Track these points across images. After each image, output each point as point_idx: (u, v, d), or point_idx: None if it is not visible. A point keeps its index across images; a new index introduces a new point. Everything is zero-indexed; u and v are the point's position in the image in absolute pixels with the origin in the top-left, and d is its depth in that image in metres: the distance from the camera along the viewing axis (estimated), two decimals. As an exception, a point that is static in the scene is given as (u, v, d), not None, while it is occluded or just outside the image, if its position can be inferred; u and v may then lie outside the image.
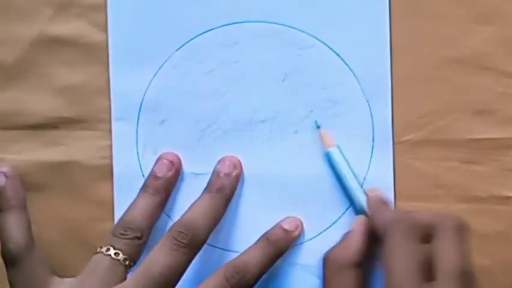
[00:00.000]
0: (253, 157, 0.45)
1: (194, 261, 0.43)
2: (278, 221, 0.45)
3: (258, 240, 0.44)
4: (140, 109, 0.46)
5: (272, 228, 0.44)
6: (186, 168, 0.46)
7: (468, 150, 0.44)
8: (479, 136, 0.44)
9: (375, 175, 0.44)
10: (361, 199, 0.44)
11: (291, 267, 0.45)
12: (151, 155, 0.46)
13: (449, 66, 0.44)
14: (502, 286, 0.44)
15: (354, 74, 0.45)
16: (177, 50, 0.46)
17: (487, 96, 0.44)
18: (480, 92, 0.44)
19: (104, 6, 0.46)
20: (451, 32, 0.44)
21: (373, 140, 0.45)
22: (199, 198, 0.44)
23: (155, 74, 0.46)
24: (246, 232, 0.45)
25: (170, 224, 0.46)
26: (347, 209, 0.45)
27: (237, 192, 0.45)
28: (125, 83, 0.46)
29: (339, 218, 0.45)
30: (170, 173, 0.45)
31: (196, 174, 0.46)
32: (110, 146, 0.46)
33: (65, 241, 0.47)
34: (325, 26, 0.45)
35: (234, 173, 0.45)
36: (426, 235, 0.38)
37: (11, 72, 0.47)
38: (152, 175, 0.45)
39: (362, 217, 0.43)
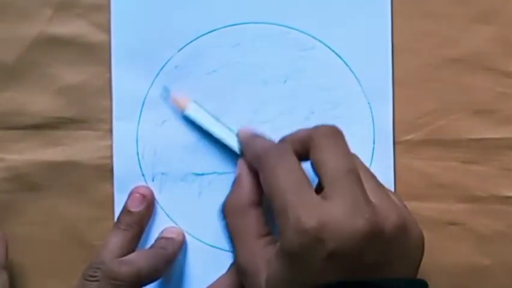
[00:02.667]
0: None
1: (194, 261, 0.43)
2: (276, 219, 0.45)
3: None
4: (141, 109, 0.46)
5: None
6: (186, 168, 0.46)
7: (468, 150, 0.44)
8: (479, 136, 0.44)
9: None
10: (235, 142, 0.44)
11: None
12: (152, 155, 0.46)
13: (449, 66, 0.44)
14: (502, 286, 0.44)
15: (355, 76, 0.45)
16: (179, 50, 0.46)
17: (487, 96, 0.44)
18: (480, 92, 0.44)
19: (105, 7, 0.46)
20: (451, 32, 0.44)
21: (374, 142, 0.45)
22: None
23: (157, 74, 0.46)
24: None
25: (170, 224, 0.46)
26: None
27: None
28: (127, 82, 0.46)
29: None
30: (142, 207, 0.45)
31: (196, 175, 0.46)
32: (110, 146, 0.46)
33: (65, 241, 0.47)
34: (326, 28, 0.45)
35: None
36: (304, 151, 0.38)
37: (12, 72, 0.47)
38: (125, 210, 0.45)
39: (242, 160, 0.42)
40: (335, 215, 0.34)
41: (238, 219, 0.40)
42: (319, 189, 0.36)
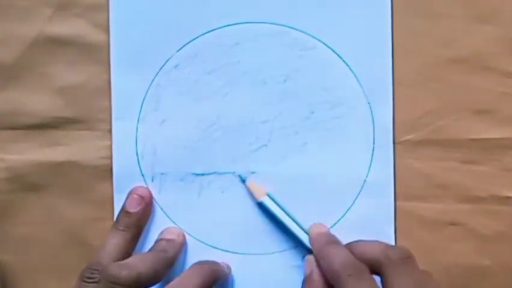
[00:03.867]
0: (253, 157, 0.45)
1: (193, 261, 0.43)
2: (308, 230, 0.45)
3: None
4: (141, 109, 0.46)
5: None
6: (186, 168, 0.46)
7: (468, 150, 0.44)
8: (479, 136, 0.44)
9: (375, 176, 0.44)
10: (304, 239, 0.44)
11: (291, 269, 0.45)
12: (151, 155, 0.46)
13: (449, 66, 0.44)
14: (502, 286, 0.44)
15: (355, 76, 0.45)
16: (179, 50, 0.46)
17: (487, 96, 0.44)
18: (480, 92, 0.44)
19: (104, 6, 0.46)
20: (451, 32, 0.44)
21: (374, 142, 0.45)
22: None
23: (156, 74, 0.46)
24: (244, 232, 0.45)
25: (170, 224, 0.46)
26: (345, 213, 0.45)
27: (236, 192, 0.45)
28: (126, 82, 0.46)
29: (338, 220, 0.45)
30: (140, 208, 0.45)
31: (196, 175, 0.46)
32: (110, 146, 0.46)
33: (65, 241, 0.47)
34: (326, 28, 0.45)
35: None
36: (375, 268, 0.39)
37: (11, 72, 0.47)
38: (123, 211, 0.45)
39: (312, 258, 0.43)
40: None
41: None
42: None
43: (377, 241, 0.41)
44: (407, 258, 0.38)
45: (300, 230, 0.44)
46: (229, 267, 0.45)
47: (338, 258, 0.40)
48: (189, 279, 0.41)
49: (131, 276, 0.40)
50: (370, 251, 0.40)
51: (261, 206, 0.45)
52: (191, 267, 0.43)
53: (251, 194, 0.45)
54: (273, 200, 0.45)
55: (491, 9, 0.44)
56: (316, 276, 0.41)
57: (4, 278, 0.46)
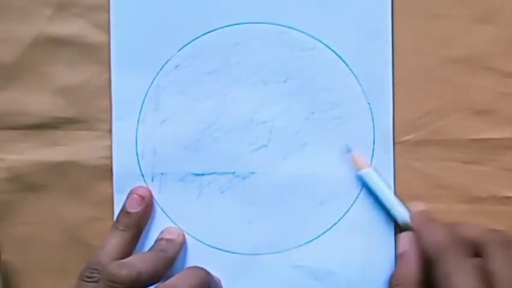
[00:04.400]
0: (253, 157, 0.45)
1: (193, 261, 0.43)
2: (276, 219, 0.45)
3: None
4: (141, 109, 0.46)
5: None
6: (186, 168, 0.46)
7: (468, 150, 0.44)
8: (479, 136, 0.44)
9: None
10: (404, 215, 0.43)
11: (291, 269, 0.45)
12: (151, 155, 0.46)
13: (449, 66, 0.44)
14: (502, 286, 0.44)
15: (355, 76, 0.45)
16: (179, 50, 0.46)
17: (487, 96, 0.44)
18: (480, 92, 0.44)
19: (104, 6, 0.46)
20: (451, 32, 0.44)
21: (374, 142, 0.45)
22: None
23: (157, 74, 0.46)
24: (245, 232, 0.45)
25: (170, 224, 0.46)
26: (345, 213, 0.45)
27: (236, 192, 0.45)
28: (127, 82, 0.46)
29: (338, 220, 0.45)
30: (140, 208, 0.45)
31: (196, 175, 0.46)
32: (110, 146, 0.46)
33: (64, 241, 0.47)
34: (327, 28, 0.45)
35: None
36: (477, 249, 0.39)
37: (11, 72, 0.47)
38: (123, 211, 0.45)
39: (410, 235, 0.43)
40: None
41: None
42: None
43: (478, 224, 0.41)
44: (509, 242, 0.39)
45: (400, 205, 0.44)
46: (219, 280, 0.45)
47: (442, 234, 0.40)
48: (186, 279, 0.41)
49: (131, 275, 0.40)
50: (472, 232, 0.40)
51: (364, 177, 0.44)
52: (187, 268, 0.43)
53: (354, 165, 0.45)
54: (376, 172, 0.44)
55: (491, 9, 0.44)
56: (412, 253, 0.41)
57: (7, 278, 0.46)
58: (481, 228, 0.40)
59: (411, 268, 0.41)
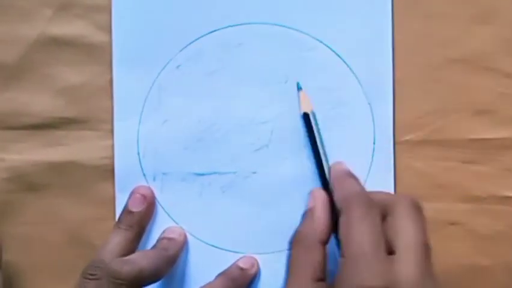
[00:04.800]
0: (254, 158, 0.45)
1: (194, 260, 0.44)
2: (277, 219, 0.45)
3: (216, 278, 0.44)
4: (142, 109, 0.46)
5: (229, 267, 0.45)
6: (187, 168, 0.46)
7: (468, 150, 0.44)
8: (479, 136, 0.44)
9: (376, 176, 0.44)
10: (326, 168, 0.43)
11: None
12: (153, 154, 0.46)
13: (449, 66, 0.44)
14: (502, 286, 0.44)
15: (356, 76, 0.45)
16: (181, 50, 0.46)
17: (487, 96, 0.44)
18: (480, 92, 0.44)
19: (105, 7, 0.46)
20: (451, 32, 0.44)
21: (374, 142, 0.45)
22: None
23: (158, 74, 0.46)
24: (246, 232, 0.45)
25: (171, 223, 0.46)
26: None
27: (237, 192, 0.45)
28: (128, 83, 0.46)
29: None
30: (142, 207, 0.45)
31: (197, 175, 0.46)
32: (111, 146, 0.46)
33: (66, 241, 0.47)
34: (327, 28, 0.45)
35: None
36: (383, 214, 0.38)
37: (12, 73, 0.47)
38: (126, 210, 0.45)
39: (320, 191, 0.42)
40: (404, 280, 0.34)
41: (301, 252, 0.39)
42: None
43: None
44: (417, 205, 0.38)
45: (325, 158, 0.44)
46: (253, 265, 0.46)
47: (354, 189, 0.40)
48: None
49: (133, 271, 0.40)
50: (382, 195, 0.40)
51: (305, 119, 0.44)
52: (216, 278, 0.44)
53: (299, 104, 0.45)
54: (315, 120, 0.44)
55: (491, 9, 0.44)
56: (319, 210, 0.41)
57: (9, 278, 0.47)
58: (391, 194, 0.40)
59: (320, 225, 0.40)
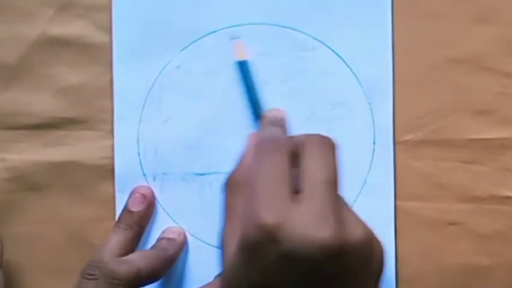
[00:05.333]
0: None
1: (194, 260, 0.44)
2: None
3: (216, 278, 0.44)
4: (142, 109, 0.46)
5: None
6: (187, 168, 0.46)
7: (468, 150, 0.44)
8: (479, 136, 0.44)
9: (376, 176, 0.44)
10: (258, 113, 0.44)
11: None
12: (153, 154, 0.46)
13: (449, 66, 0.44)
14: (502, 286, 0.44)
15: (356, 77, 0.45)
16: (181, 50, 0.46)
17: (487, 96, 0.44)
18: (480, 92, 0.44)
19: (106, 7, 0.46)
20: (451, 32, 0.44)
21: (374, 142, 0.45)
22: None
23: (158, 74, 0.46)
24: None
25: (171, 223, 0.46)
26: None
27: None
28: (128, 83, 0.46)
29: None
30: (142, 207, 0.45)
31: (197, 175, 0.46)
32: (111, 146, 0.46)
33: (66, 241, 0.47)
34: (327, 28, 0.45)
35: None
36: (295, 155, 0.37)
37: (13, 73, 0.47)
38: (125, 210, 0.45)
39: (253, 134, 0.43)
40: (297, 219, 0.33)
41: (231, 194, 0.39)
42: None
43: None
44: (325, 145, 0.37)
45: (259, 107, 0.44)
46: None
47: (265, 134, 0.40)
48: None
49: (131, 271, 0.40)
50: (299, 137, 0.38)
51: (239, 67, 0.45)
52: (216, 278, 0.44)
53: (233, 52, 0.45)
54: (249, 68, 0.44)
55: (491, 9, 0.44)
56: (247, 153, 0.40)
57: (9, 277, 0.47)
58: (304, 135, 0.38)
59: (244, 168, 0.39)
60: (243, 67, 0.45)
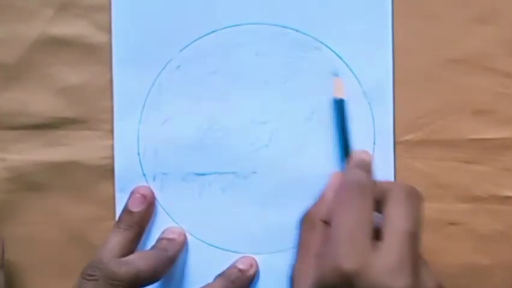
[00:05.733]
0: (254, 158, 0.45)
1: (194, 260, 0.44)
2: (277, 219, 0.45)
3: (215, 280, 0.44)
4: (143, 109, 0.46)
5: (228, 268, 0.45)
6: (187, 168, 0.46)
7: (468, 150, 0.44)
8: (479, 136, 0.44)
9: (376, 176, 0.44)
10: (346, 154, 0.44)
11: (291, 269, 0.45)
12: (153, 154, 0.46)
13: (449, 66, 0.44)
14: (502, 286, 0.44)
15: (355, 77, 0.45)
16: (181, 50, 0.46)
17: (487, 96, 0.44)
18: (480, 92, 0.44)
19: (106, 7, 0.46)
20: (451, 32, 0.44)
21: (374, 142, 0.45)
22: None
23: (158, 74, 0.46)
24: (246, 232, 0.45)
25: (171, 223, 0.46)
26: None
27: (237, 192, 0.45)
28: (128, 83, 0.46)
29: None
30: (142, 207, 0.45)
31: (197, 175, 0.46)
32: (111, 146, 0.46)
33: (66, 241, 0.47)
34: (327, 28, 0.45)
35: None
36: (379, 202, 0.38)
37: (13, 73, 0.47)
38: (126, 210, 0.45)
39: (338, 174, 0.43)
40: (376, 268, 0.34)
41: (308, 230, 0.40)
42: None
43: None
44: (411, 195, 0.38)
45: (347, 147, 0.44)
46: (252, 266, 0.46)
47: (353, 176, 0.40)
48: None
49: (131, 272, 0.40)
50: (384, 183, 0.39)
51: (336, 105, 0.44)
52: (216, 279, 0.44)
53: (333, 89, 0.45)
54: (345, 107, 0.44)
55: (491, 9, 0.44)
56: (328, 193, 0.41)
57: (10, 277, 0.47)
58: (389, 182, 0.40)
59: (323, 205, 0.40)
60: (339, 105, 0.44)
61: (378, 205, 0.38)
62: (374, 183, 0.39)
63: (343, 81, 0.45)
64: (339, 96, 0.44)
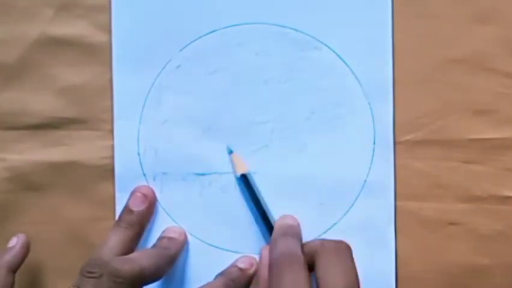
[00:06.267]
0: (254, 158, 0.45)
1: (194, 260, 0.44)
2: (276, 219, 0.45)
3: (215, 278, 0.44)
4: (143, 109, 0.46)
5: (228, 267, 0.45)
6: (187, 168, 0.46)
7: (468, 150, 0.44)
8: (479, 136, 0.44)
9: (376, 176, 0.44)
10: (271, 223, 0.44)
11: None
12: (153, 154, 0.46)
13: (449, 66, 0.44)
14: (502, 286, 0.44)
15: (355, 77, 0.45)
16: (181, 50, 0.46)
17: (487, 96, 0.44)
18: (480, 92, 0.44)
19: (106, 7, 0.46)
20: (451, 32, 0.44)
21: (374, 142, 0.45)
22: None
23: (158, 74, 0.46)
24: (246, 232, 0.46)
25: (171, 223, 0.46)
26: (345, 213, 0.45)
27: (237, 192, 0.45)
28: (128, 83, 0.46)
29: (338, 220, 0.45)
30: (143, 207, 0.45)
31: (197, 175, 0.46)
32: (111, 146, 0.46)
33: (66, 241, 0.47)
34: (327, 28, 0.45)
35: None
36: (311, 264, 0.38)
37: (13, 73, 0.47)
38: (126, 209, 0.45)
39: (267, 248, 0.42)
40: None
41: None
42: None
43: (320, 239, 0.41)
44: (338, 249, 0.38)
45: (271, 215, 0.44)
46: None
47: (279, 249, 0.40)
48: None
49: (134, 270, 0.40)
50: (312, 245, 0.39)
51: (241, 181, 0.45)
52: (216, 278, 0.44)
53: (233, 167, 0.45)
54: (252, 180, 0.45)
55: (491, 9, 0.44)
56: (261, 268, 0.41)
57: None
58: (317, 241, 0.39)
59: (262, 282, 0.41)
60: (246, 180, 0.45)
61: (313, 265, 0.38)
62: (304, 246, 0.40)
63: (240, 156, 0.45)
64: (241, 171, 0.45)
